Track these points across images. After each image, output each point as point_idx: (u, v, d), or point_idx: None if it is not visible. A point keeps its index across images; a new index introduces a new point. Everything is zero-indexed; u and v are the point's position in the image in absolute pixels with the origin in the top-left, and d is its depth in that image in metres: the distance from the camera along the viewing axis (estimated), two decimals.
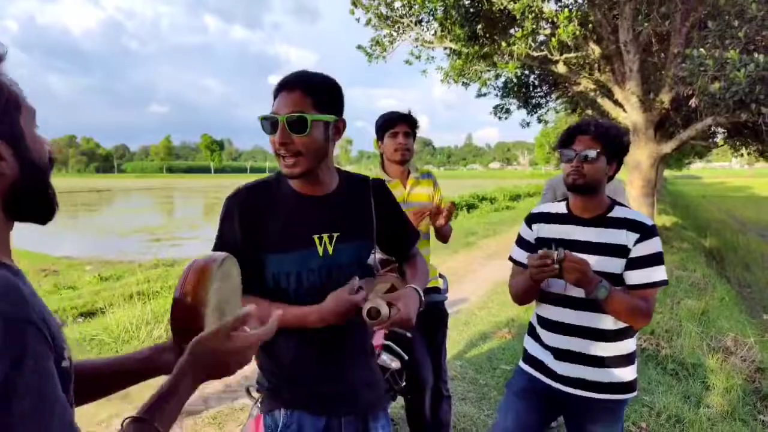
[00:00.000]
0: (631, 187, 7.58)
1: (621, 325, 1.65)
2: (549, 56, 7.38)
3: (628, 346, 1.69)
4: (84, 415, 2.97)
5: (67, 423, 0.63)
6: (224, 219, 1.32)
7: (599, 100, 8.27)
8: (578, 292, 1.62)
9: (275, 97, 1.26)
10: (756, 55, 4.86)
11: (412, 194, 2.47)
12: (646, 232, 1.60)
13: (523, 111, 10.54)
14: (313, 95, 1.23)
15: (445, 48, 8.39)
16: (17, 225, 0.75)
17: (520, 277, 1.75)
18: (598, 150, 1.59)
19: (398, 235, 1.52)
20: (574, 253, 1.52)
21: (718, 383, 3.62)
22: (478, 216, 16.73)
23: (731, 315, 5.67)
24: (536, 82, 10.14)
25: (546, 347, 1.75)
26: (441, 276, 2.61)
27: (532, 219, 1.82)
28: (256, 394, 1.40)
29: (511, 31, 7.35)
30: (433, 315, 2.42)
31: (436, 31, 7.98)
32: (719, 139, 10.63)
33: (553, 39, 6.68)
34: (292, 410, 1.31)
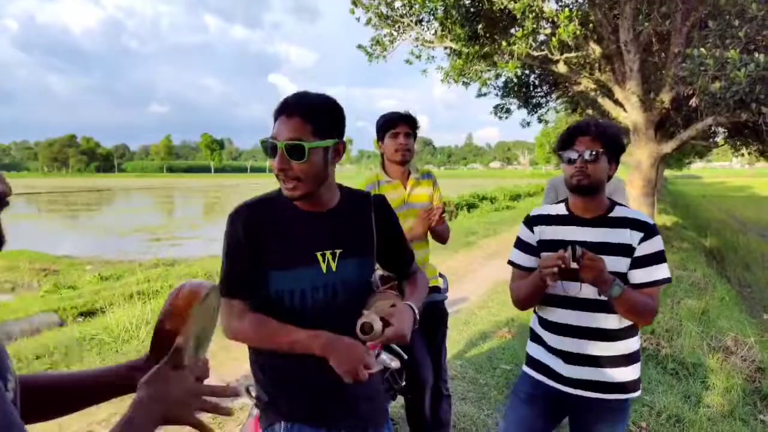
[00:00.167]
0: (631, 186, 7.57)
1: (625, 323, 1.65)
2: (549, 56, 7.37)
3: (632, 345, 1.69)
4: (84, 415, 2.97)
5: None
6: (229, 237, 1.30)
7: (599, 99, 8.25)
8: (590, 294, 1.62)
9: (275, 119, 1.24)
10: (756, 54, 4.86)
11: (412, 195, 2.47)
12: (649, 230, 1.60)
13: (524, 111, 10.53)
14: (313, 121, 1.21)
15: (446, 48, 8.37)
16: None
17: (523, 281, 1.73)
18: (600, 150, 1.59)
19: (397, 252, 1.51)
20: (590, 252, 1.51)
21: (718, 383, 3.62)
22: (479, 215, 16.75)
23: (731, 315, 5.67)
24: (536, 82, 10.12)
25: (551, 350, 1.73)
26: (441, 275, 2.61)
27: (532, 221, 1.79)
28: (255, 393, 1.40)
29: (512, 30, 7.34)
30: (433, 314, 2.42)
31: (436, 31, 7.97)
32: (720, 138, 10.60)
33: (554, 39, 6.67)
34: (292, 423, 1.31)
